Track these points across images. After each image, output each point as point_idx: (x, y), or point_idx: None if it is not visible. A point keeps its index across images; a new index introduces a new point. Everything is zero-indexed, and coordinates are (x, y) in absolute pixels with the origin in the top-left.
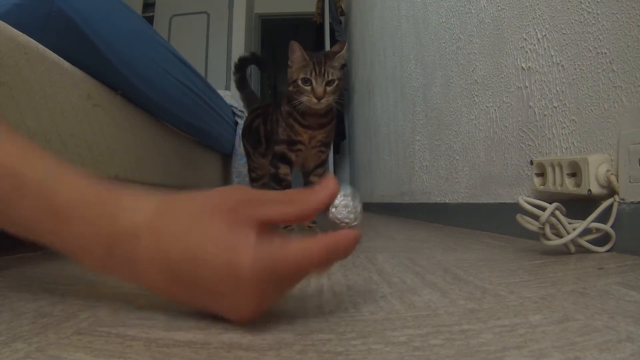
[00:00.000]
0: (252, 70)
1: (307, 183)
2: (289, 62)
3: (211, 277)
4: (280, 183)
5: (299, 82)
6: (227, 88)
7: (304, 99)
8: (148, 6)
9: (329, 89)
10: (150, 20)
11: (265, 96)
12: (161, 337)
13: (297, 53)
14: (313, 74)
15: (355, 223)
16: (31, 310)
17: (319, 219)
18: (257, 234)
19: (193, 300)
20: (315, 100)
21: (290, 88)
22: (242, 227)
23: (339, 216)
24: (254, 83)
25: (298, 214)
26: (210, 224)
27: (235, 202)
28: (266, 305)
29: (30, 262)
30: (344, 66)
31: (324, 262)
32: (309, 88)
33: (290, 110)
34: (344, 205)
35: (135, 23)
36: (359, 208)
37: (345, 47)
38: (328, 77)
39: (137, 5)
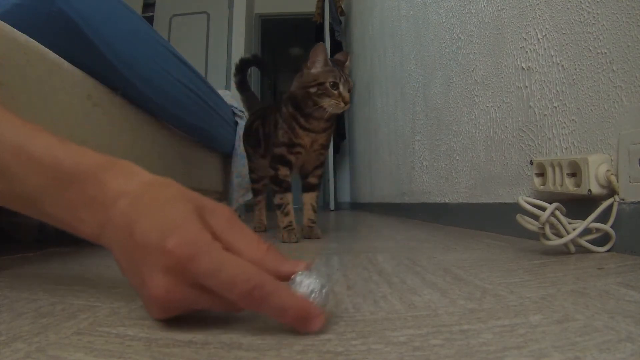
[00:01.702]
0: (252, 71)
1: (305, 184)
2: (308, 63)
3: (147, 248)
4: (280, 185)
5: (327, 85)
6: (227, 88)
7: (331, 102)
8: (148, 6)
9: (349, 95)
10: (150, 20)
11: (265, 97)
12: (161, 337)
13: (322, 55)
14: (341, 79)
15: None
16: (31, 310)
17: (318, 221)
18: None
19: (135, 275)
20: (342, 105)
21: (314, 90)
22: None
23: (300, 291)
24: (254, 83)
25: (251, 259)
26: (176, 209)
27: (208, 206)
28: (175, 304)
29: (30, 262)
30: None
31: (251, 303)
32: (336, 92)
33: (294, 113)
34: (307, 284)
35: (135, 23)
36: (323, 297)
37: (349, 59)
38: (349, 84)
39: (137, 5)
